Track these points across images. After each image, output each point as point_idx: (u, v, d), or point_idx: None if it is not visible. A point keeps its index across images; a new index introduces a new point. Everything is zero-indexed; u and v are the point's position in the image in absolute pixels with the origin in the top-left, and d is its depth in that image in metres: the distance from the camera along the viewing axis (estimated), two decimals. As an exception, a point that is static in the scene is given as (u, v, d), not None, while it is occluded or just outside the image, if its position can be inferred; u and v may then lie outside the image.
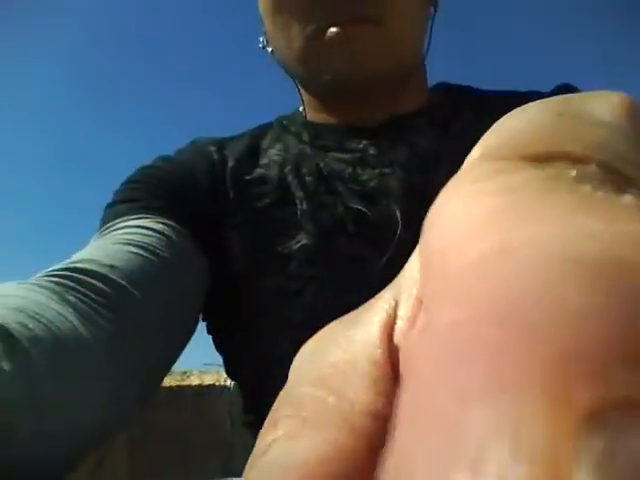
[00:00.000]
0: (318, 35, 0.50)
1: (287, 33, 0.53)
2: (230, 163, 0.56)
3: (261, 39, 0.59)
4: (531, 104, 0.10)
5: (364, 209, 0.51)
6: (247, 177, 0.55)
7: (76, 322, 0.36)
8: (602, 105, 0.09)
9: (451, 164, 0.57)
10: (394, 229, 0.50)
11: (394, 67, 0.53)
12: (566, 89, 0.58)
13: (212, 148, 0.57)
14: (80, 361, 0.35)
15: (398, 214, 0.50)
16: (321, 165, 0.54)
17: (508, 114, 0.10)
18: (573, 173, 0.08)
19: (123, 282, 0.41)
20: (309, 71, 0.54)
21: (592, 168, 0.08)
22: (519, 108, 0.10)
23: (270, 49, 0.58)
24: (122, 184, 0.54)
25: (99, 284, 0.40)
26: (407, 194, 0.51)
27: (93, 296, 0.39)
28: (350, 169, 0.53)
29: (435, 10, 0.58)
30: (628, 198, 0.07)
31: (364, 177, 0.53)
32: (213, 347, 0.57)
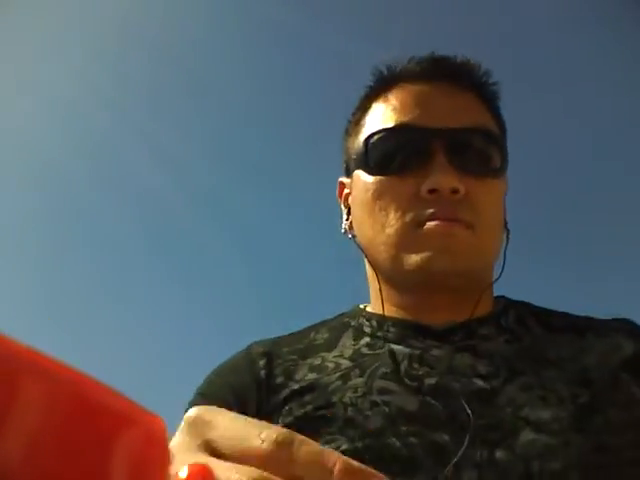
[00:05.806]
0: (417, 224, 0.54)
1: (384, 219, 0.56)
2: (278, 379, 0.55)
3: (344, 224, 0.62)
4: None
5: (423, 407, 0.49)
6: (295, 386, 0.54)
7: None
8: None
9: (523, 374, 0.52)
10: (461, 426, 0.47)
11: (478, 270, 0.57)
12: (623, 322, 0.59)
13: (261, 362, 0.57)
14: None
15: (467, 409, 0.48)
16: (376, 365, 0.53)
17: None
18: None
19: None
20: (397, 255, 0.56)
21: None
22: None
23: (353, 234, 0.61)
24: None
25: None
26: (471, 398, 0.50)
27: None
28: (406, 362, 0.53)
29: (507, 239, 0.61)
30: None
31: (420, 373, 0.52)
32: None
